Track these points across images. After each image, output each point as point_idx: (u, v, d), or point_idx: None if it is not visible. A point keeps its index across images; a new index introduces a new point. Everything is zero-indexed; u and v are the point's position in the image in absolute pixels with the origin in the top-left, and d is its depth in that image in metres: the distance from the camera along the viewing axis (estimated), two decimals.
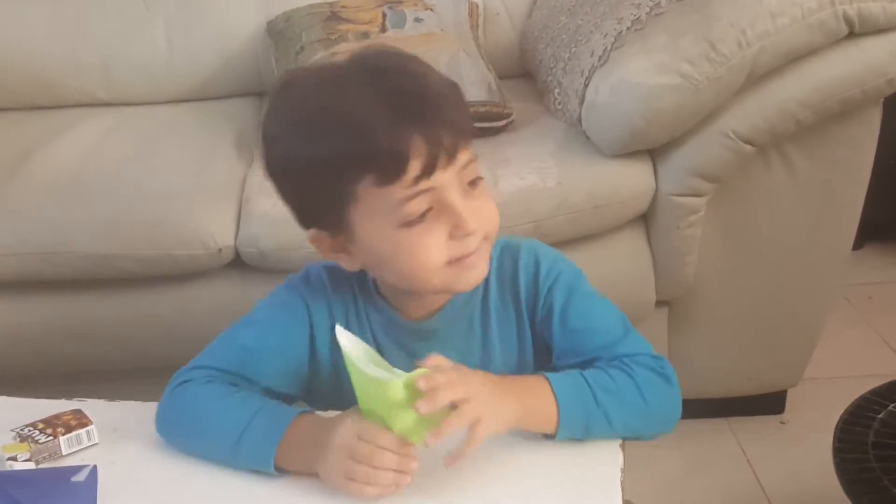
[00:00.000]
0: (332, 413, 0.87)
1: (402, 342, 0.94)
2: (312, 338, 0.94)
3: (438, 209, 0.82)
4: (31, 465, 0.89)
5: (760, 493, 1.58)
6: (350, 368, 0.80)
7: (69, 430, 0.93)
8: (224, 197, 1.51)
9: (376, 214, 0.82)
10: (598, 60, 1.44)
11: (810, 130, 1.42)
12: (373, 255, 0.86)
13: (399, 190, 0.80)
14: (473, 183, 0.84)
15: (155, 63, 1.91)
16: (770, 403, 1.73)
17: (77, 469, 0.86)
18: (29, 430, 0.93)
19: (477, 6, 1.89)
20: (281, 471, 0.84)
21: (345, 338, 0.81)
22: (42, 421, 0.94)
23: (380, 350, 0.89)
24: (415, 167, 0.79)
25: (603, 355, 0.90)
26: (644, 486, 1.46)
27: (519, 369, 0.95)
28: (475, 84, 1.62)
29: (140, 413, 0.96)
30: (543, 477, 0.84)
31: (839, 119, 1.41)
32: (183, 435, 0.91)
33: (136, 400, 0.98)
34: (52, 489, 0.84)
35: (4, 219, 1.47)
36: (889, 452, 1.20)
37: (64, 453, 0.91)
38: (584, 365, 0.90)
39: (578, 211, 1.42)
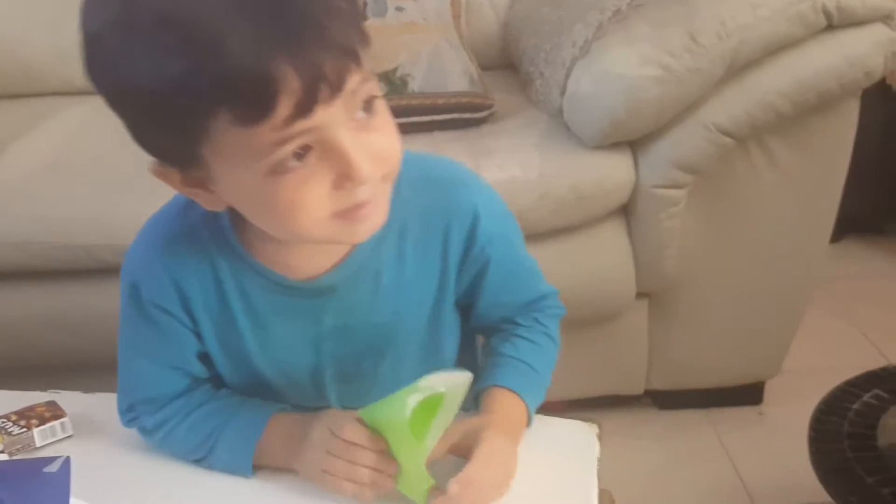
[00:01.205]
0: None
1: (290, 301, 0.80)
2: (198, 332, 0.83)
3: (321, 152, 0.64)
4: (4, 457, 0.88)
5: (739, 484, 1.59)
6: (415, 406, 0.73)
7: (43, 421, 0.92)
8: None
9: (237, 158, 0.64)
10: (580, 51, 1.44)
11: (790, 122, 1.42)
12: (237, 203, 0.70)
13: (266, 132, 0.61)
14: (367, 107, 0.66)
15: None
16: (748, 394, 1.74)
17: (50, 460, 0.85)
18: (2, 422, 0.92)
19: None
20: (257, 467, 0.83)
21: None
22: (15, 413, 0.93)
23: (262, 315, 0.81)
24: (286, 105, 0.60)
25: (524, 313, 0.90)
26: (623, 476, 1.46)
27: (432, 324, 0.86)
28: (457, 75, 1.62)
29: (114, 404, 0.95)
30: (520, 464, 0.83)
31: (818, 111, 1.42)
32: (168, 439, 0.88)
33: (113, 391, 0.95)
34: (24, 480, 0.83)
35: None
36: (864, 442, 1.22)
37: (38, 445, 0.90)
38: (504, 320, 0.90)
39: (560, 202, 1.42)
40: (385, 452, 0.75)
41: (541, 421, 0.90)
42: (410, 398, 0.73)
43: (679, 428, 1.70)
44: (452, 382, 0.74)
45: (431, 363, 0.86)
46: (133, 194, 1.46)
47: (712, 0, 1.34)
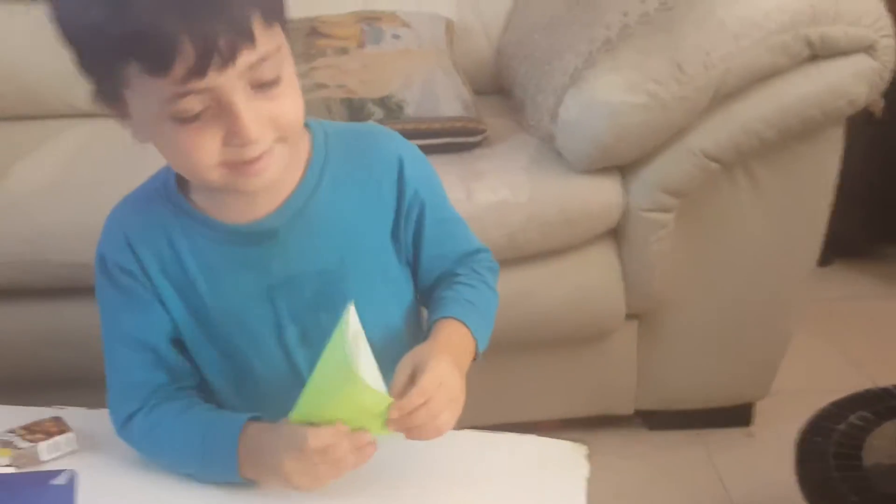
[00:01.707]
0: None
1: (238, 251, 0.86)
2: (159, 296, 0.88)
3: (216, 109, 0.73)
4: (11, 471, 0.91)
5: (728, 503, 1.61)
6: (331, 358, 0.76)
7: (49, 436, 0.95)
8: None
9: (148, 102, 0.73)
10: (570, 79, 1.47)
11: (774, 148, 1.45)
12: (151, 142, 0.78)
13: (167, 85, 0.70)
14: (273, 81, 0.74)
15: None
16: (738, 415, 1.76)
17: (56, 473, 0.88)
18: (9, 436, 0.95)
19: (453, 23, 1.92)
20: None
21: (353, 325, 0.78)
22: (22, 427, 0.96)
23: (214, 268, 0.86)
24: (181, 66, 0.69)
25: (463, 265, 0.97)
26: (612, 496, 1.49)
27: (382, 277, 0.92)
28: (451, 100, 1.65)
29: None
30: (509, 485, 0.86)
31: (803, 138, 1.45)
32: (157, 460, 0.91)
33: None
34: (31, 492, 0.86)
35: None
36: (849, 462, 1.23)
37: (43, 459, 0.93)
38: (444, 274, 0.96)
39: (550, 224, 1.45)
40: (348, 429, 0.78)
41: (530, 441, 0.92)
42: (323, 363, 0.76)
43: (669, 448, 1.72)
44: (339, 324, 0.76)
45: (388, 327, 0.92)
46: None
47: (697, 30, 1.36)
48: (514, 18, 1.90)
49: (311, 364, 0.84)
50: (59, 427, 0.96)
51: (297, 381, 0.89)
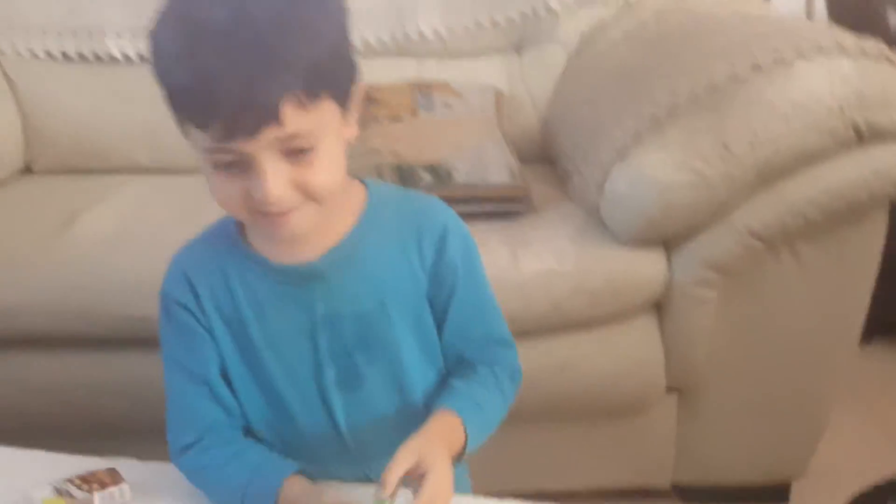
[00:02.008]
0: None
1: (286, 289, 0.93)
2: (210, 330, 0.95)
3: (247, 165, 0.80)
4: None
5: None
6: None
7: (103, 486, 0.98)
8: None
9: (196, 145, 0.83)
10: (617, 154, 1.51)
11: (820, 228, 1.47)
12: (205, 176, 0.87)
13: (208, 140, 0.79)
14: (305, 151, 0.81)
15: None
16: (774, 493, 1.74)
17: None
18: (66, 485, 0.98)
19: (503, 94, 1.97)
20: None
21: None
22: (79, 477, 0.99)
23: (263, 304, 0.93)
24: (216, 129, 0.78)
25: (485, 355, 0.99)
26: None
27: (416, 328, 0.96)
28: (499, 168, 1.69)
29: (169, 473, 1.01)
30: None
31: (848, 219, 1.47)
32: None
33: (165, 457, 1.02)
34: None
35: (46, 277, 1.53)
36: None
37: None
38: (465, 360, 0.99)
39: (594, 294, 1.47)
40: None
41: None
42: None
43: None
44: None
45: (425, 370, 0.97)
46: None
47: (746, 111, 1.40)
48: (561, 90, 1.95)
49: (348, 411, 0.93)
50: (114, 478, 1.00)
51: (330, 423, 0.96)
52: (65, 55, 1.97)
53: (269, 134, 0.78)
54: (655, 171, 1.42)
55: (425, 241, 0.94)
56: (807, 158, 1.41)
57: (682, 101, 1.46)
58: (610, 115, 1.62)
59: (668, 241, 1.51)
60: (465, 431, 0.91)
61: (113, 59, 1.98)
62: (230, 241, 0.95)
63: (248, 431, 0.99)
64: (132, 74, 1.99)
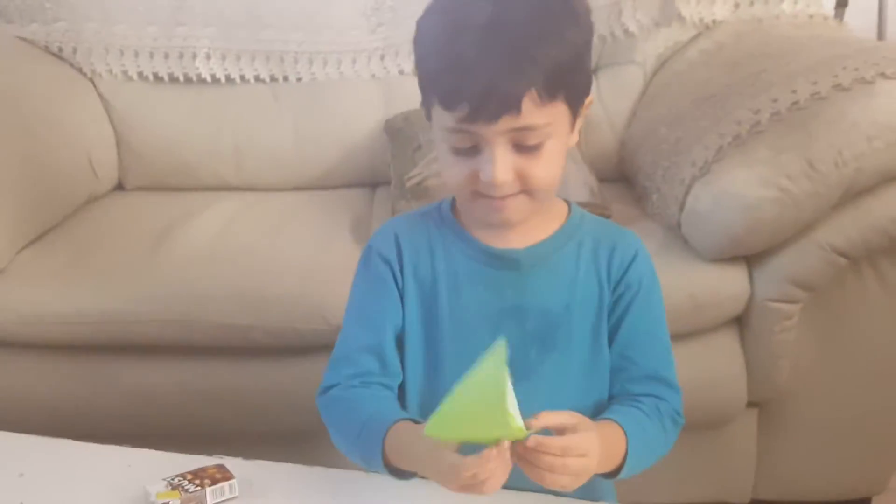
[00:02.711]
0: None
1: (483, 269, 0.98)
2: (402, 291, 1.00)
3: (480, 149, 0.88)
4: None
5: None
6: (481, 379, 0.80)
7: (214, 482, 1.01)
8: (343, 277, 1.60)
9: (438, 126, 0.91)
10: (699, 171, 1.54)
11: None
12: (438, 154, 0.95)
13: (451, 120, 0.87)
14: (533, 147, 0.88)
15: (282, 152, 2.06)
16: None
17: None
18: (179, 480, 1.02)
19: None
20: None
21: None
22: (190, 473, 1.02)
23: (459, 278, 0.98)
24: (461, 110, 0.86)
25: (649, 390, 0.99)
26: None
27: (593, 337, 0.99)
28: (579, 186, 1.72)
29: (273, 471, 1.05)
30: None
31: None
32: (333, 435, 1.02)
33: (268, 459, 1.06)
34: None
35: (148, 288, 1.60)
36: None
37: (209, 503, 0.99)
38: (627, 393, 0.99)
39: (676, 309, 1.46)
40: (498, 454, 0.80)
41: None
42: (471, 383, 0.80)
43: None
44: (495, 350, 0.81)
45: (587, 388, 0.98)
46: (281, 278, 1.61)
47: (830, 130, 1.42)
48: (639, 112, 1.98)
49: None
50: (223, 474, 1.03)
51: None
52: (156, 76, 2.06)
53: (507, 123, 0.85)
54: (740, 188, 1.44)
55: (616, 258, 0.99)
56: (891, 177, 1.42)
57: (765, 119, 1.48)
58: (691, 133, 1.64)
59: (750, 258, 1.53)
60: (627, 450, 0.92)
61: (202, 81, 2.06)
62: (442, 217, 1.02)
63: (398, 397, 1.02)
64: (221, 95, 2.08)
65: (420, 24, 0.91)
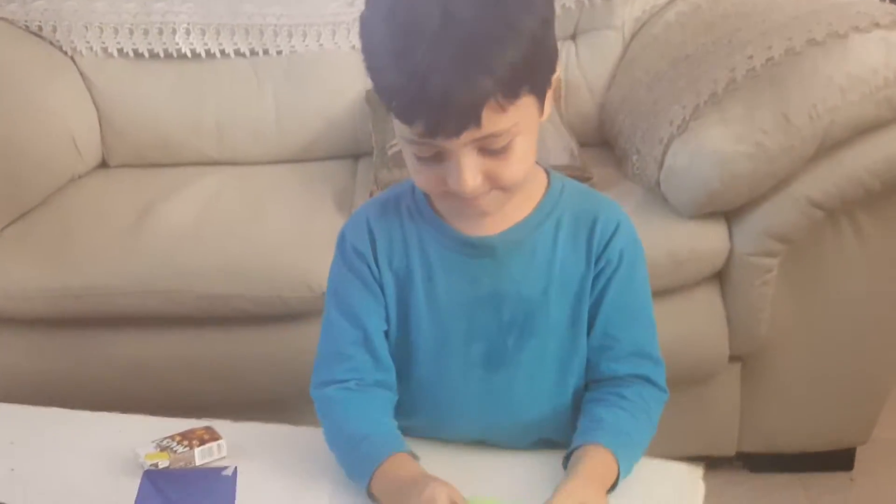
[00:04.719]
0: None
1: (458, 258, 0.96)
2: (380, 283, 0.98)
3: (445, 157, 0.84)
4: None
5: None
6: None
7: (203, 442, 1.03)
8: (328, 246, 1.61)
9: (400, 134, 0.87)
10: (677, 129, 1.55)
11: (879, 198, 1.50)
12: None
13: (410, 132, 0.83)
14: (500, 150, 0.84)
15: (263, 126, 2.06)
16: (839, 460, 1.77)
17: (223, 468, 0.95)
18: (168, 442, 1.04)
19: (560, 80, 2.01)
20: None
21: None
22: (179, 434, 1.05)
23: (434, 267, 0.96)
24: (419, 126, 0.82)
25: (632, 369, 0.99)
26: None
27: (572, 322, 0.97)
28: (559, 150, 1.74)
29: (262, 432, 1.08)
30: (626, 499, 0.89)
31: None
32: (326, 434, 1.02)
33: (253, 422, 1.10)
34: (203, 477, 0.95)
35: (132, 261, 1.61)
36: None
37: (197, 463, 1.02)
38: (611, 377, 0.98)
39: (657, 267, 1.48)
40: None
41: (645, 463, 0.96)
42: None
43: (769, 490, 1.73)
44: None
45: (566, 373, 0.98)
46: (265, 248, 1.62)
47: (804, 84, 1.44)
48: (618, 76, 1.99)
49: (482, 386, 0.96)
50: (211, 435, 1.05)
51: (463, 396, 0.99)
52: (137, 52, 2.05)
53: (469, 135, 0.82)
54: (716, 144, 1.46)
55: (598, 230, 0.96)
56: (864, 128, 1.44)
57: (741, 76, 1.50)
58: (669, 94, 1.66)
59: (729, 213, 1.55)
60: (619, 467, 0.92)
61: (182, 56, 2.05)
62: (416, 204, 0.98)
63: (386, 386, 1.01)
64: (201, 70, 2.07)
65: (366, 24, 0.85)
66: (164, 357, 1.62)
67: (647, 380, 1.00)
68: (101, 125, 2.07)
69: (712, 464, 1.71)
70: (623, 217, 0.99)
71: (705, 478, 1.69)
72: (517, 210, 0.95)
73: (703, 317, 1.59)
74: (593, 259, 0.96)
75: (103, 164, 2.09)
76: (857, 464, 1.78)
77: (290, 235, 1.67)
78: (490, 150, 0.84)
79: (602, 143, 1.98)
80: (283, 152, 2.07)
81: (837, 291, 1.60)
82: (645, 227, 1.51)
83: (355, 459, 0.96)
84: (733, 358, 1.63)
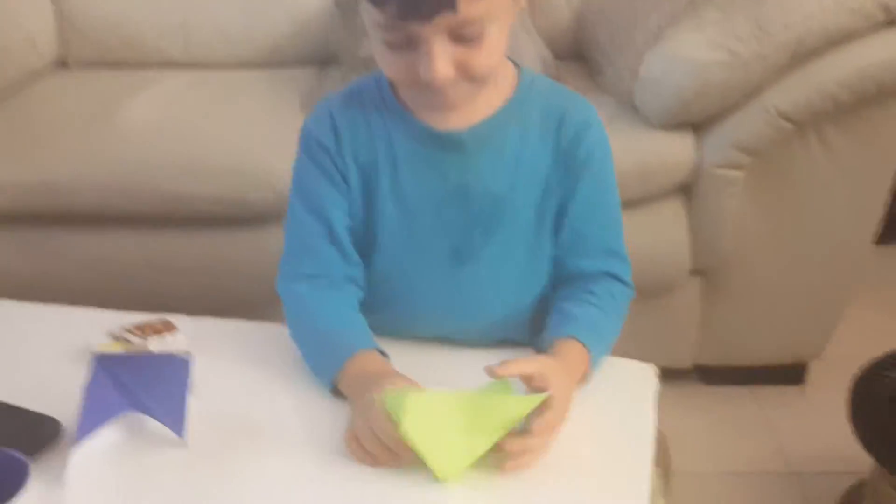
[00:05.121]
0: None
1: (425, 151, 0.94)
2: (345, 177, 0.96)
3: (416, 44, 0.83)
4: None
5: (780, 454, 1.66)
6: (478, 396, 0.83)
7: (158, 333, 1.02)
8: (292, 148, 1.59)
9: (371, 23, 0.85)
10: (653, 37, 1.53)
11: (848, 112, 1.50)
12: (374, 53, 0.89)
13: (381, 16, 0.81)
14: (472, 37, 0.83)
15: (230, 26, 2.01)
16: (791, 375, 1.81)
17: (170, 357, 0.94)
18: (121, 332, 1.02)
19: None
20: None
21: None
22: (135, 326, 1.03)
23: (400, 160, 0.94)
24: (392, 9, 0.80)
25: (601, 266, 0.99)
26: (669, 444, 1.53)
27: (538, 219, 0.97)
28: (532, 60, 1.72)
29: (222, 327, 1.07)
30: (582, 402, 0.89)
31: (876, 103, 1.49)
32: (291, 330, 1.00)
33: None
34: (157, 361, 0.95)
35: (93, 158, 1.58)
36: None
37: (151, 349, 0.99)
38: (581, 275, 0.99)
39: (624, 177, 1.45)
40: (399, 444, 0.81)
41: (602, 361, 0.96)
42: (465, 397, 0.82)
43: (724, 402, 1.77)
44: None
45: (530, 272, 0.98)
46: (228, 149, 1.60)
47: None
48: None
49: (449, 281, 0.95)
50: (168, 327, 1.03)
51: (430, 291, 0.98)
52: None
53: (443, 20, 0.80)
54: (690, 51, 1.44)
55: (565, 126, 0.94)
56: (838, 38, 1.43)
57: None
58: (645, 4, 1.64)
59: (698, 125, 1.54)
60: (590, 356, 0.92)
61: None
62: (381, 95, 0.96)
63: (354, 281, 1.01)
64: None
65: None
66: (127, 257, 1.61)
67: (615, 276, 1.01)
68: (58, 21, 2.01)
69: (668, 375, 1.76)
70: (593, 114, 0.98)
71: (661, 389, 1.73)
72: (486, 105, 0.93)
73: (667, 229, 1.59)
74: (561, 155, 0.95)
75: (62, 64, 2.04)
76: (808, 378, 1.82)
77: (255, 136, 1.64)
78: (462, 38, 0.82)
79: (577, 56, 1.96)
80: (249, 55, 2.03)
81: (802, 208, 1.60)
82: (614, 138, 1.51)
83: (323, 354, 0.95)
84: (695, 271, 1.64)
